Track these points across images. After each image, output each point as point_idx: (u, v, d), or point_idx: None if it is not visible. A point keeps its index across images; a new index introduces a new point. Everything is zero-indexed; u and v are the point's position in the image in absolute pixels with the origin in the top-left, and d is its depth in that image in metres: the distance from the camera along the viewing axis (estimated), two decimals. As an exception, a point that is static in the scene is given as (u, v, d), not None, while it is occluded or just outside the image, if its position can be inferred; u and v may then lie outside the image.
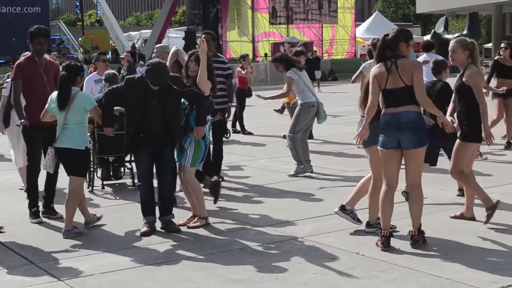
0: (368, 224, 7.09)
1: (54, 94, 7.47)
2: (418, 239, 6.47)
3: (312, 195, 9.02)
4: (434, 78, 9.05)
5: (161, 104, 7.17)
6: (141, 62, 21.73)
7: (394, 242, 6.57)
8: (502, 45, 12.94)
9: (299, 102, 10.66)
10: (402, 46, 6.45)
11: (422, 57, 12.86)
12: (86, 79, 10.97)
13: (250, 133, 16.07)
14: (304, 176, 10.25)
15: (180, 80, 7.49)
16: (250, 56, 22.53)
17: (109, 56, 30.35)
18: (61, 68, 8.04)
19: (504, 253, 6.20)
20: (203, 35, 9.03)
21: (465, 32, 45.22)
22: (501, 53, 12.81)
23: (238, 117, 16.40)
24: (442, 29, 46.11)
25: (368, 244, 6.60)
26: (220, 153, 9.94)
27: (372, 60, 12.29)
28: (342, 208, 7.25)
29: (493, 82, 12.82)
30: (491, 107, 11.97)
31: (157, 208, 7.43)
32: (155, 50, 8.98)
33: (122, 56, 15.82)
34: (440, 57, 9.95)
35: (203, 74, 7.63)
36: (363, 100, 6.84)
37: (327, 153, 12.80)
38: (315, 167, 10.71)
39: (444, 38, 42.09)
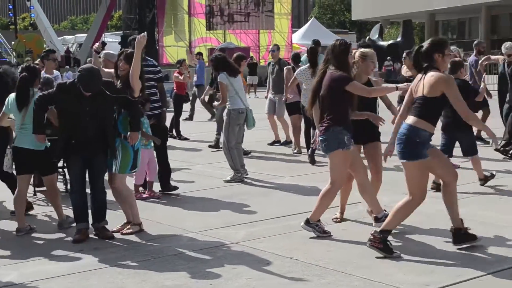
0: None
1: (12, 95, 7.54)
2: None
3: (247, 200, 9.02)
4: None
5: (94, 110, 7.08)
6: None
7: (327, 246, 6.63)
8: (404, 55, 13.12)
9: (228, 107, 10.52)
10: (437, 57, 6.35)
11: None
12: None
13: (186, 139, 16.00)
14: (239, 182, 10.25)
15: (113, 85, 7.40)
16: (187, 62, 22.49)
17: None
18: (19, 70, 7.98)
19: (435, 256, 6.29)
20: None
21: (399, 39, 46.00)
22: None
23: (175, 122, 16.30)
24: (377, 36, 46.83)
25: (302, 249, 6.64)
26: (166, 163, 9.62)
27: (306, 66, 12.61)
28: (307, 222, 7.18)
29: None
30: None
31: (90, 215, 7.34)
32: (102, 54, 8.74)
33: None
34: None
35: (136, 65, 7.48)
36: (311, 103, 7.17)
37: (262, 158, 12.83)
38: (250, 172, 10.73)
39: (378, 44, 42.76)
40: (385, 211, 7.28)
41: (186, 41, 44.62)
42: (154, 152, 9.41)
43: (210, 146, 14.04)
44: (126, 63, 7.68)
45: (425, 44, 6.47)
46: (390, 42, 45.85)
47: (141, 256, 6.57)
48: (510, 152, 11.74)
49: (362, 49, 7.75)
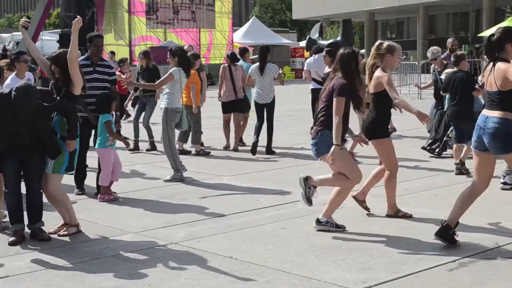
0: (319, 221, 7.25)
1: None
2: None
3: (187, 200, 8.99)
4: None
5: (31, 121, 6.94)
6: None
7: (266, 245, 6.66)
8: (323, 53, 13.23)
9: (164, 106, 10.41)
10: (509, 47, 6.25)
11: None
12: (5, 84, 9.79)
13: (126, 138, 15.82)
14: (179, 181, 10.20)
15: (50, 95, 7.26)
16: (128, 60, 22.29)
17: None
18: None
19: (372, 253, 6.37)
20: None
21: (339, 38, 46.35)
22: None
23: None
24: (317, 35, 47.11)
25: (241, 248, 6.65)
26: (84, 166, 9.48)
27: (256, 64, 12.87)
28: (318, 222, 7.26)
29: None
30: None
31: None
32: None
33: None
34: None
35: (74, 49, 7.35)
36: None
37: (201, 157, 12.80)
38: (190, 172, 10.70)
39: (319, 43, 43.01)
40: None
41: (126, 39, 44.19)
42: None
43: (147, 150, 13.79)
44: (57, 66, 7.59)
45: (496, 33, 6.33)
46: (330, 41, 46.12)
47: (78, 258, 6.48)
48: (437, 150, 12.00)
49: (390, 43, 7.78)
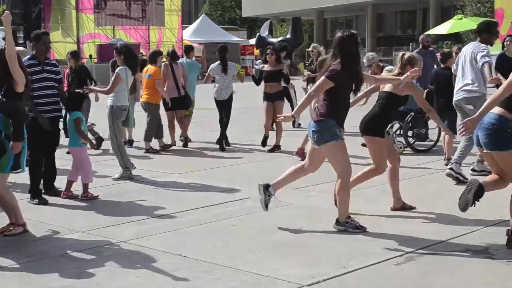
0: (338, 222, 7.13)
1: None
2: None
3: (136, 198, 8.93)
4: None
5: None
6: None
7: (216, 242, 6.66)
8: (268, 51, 13.36)
9: (110, 104, 10.27)
10: None
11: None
12: None
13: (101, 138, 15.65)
14: (128, 179, 10.13)
15: None
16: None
17: None
18: None
19: (320, 249, 6.42)
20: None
21: (288, 36, 46.48)
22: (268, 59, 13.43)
23: (63, 121, 15.91)
24: (267, 32, 47.19)
25: (190, 246, 6.63)
26: (53, 166, 9.19)
27: (217, 62, 13.40)
28: (337, 222, 7.13)
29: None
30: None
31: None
32: None
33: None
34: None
35: (10, 46, 7.00)
36: None
37: (152, 155, 12.73)
38: (140, 170, 10.63)
39: (269, 41, 43.09)
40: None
41: (74, 37, 43.72)
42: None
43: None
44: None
45: None
46: (280, 38, 46.26)
47: (25, 258, 6.38)
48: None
49: (411, 54, 7.97)
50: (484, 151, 6.40)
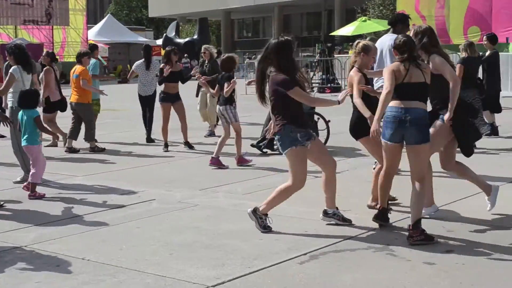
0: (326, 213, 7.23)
1: None
2: (413, 234, 6.47)
3: (38, 201, 8.73)
4: None
5: None
6: None
7: (120, 245, 6.58)
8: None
9: (10, 105, 10.01)
10: None
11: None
12: None
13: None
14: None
15: None
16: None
17: None
18: None
19: (226, 249, 6.42)
20: None
21: (195, 36, 46.48)
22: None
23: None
24: (174, 33, 47.06)
25: (94, 249, 6.53)
26: None
27: (141, 60, 14.12)
28: (325, 213, 7.25)
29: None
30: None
31: None
32: None
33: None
34: None
35: None
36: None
37: (52, 158, 12.47)
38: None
39: (176, 42, 42.96)
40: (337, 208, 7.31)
41: (-26, 36, 42.37)
42: None
43: None
44: None
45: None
46: (187, 39, 46.22)
47: None
48: (263, 148, 12.22)
49: (366, 42, 7.77)
50: (395, 144, 6.78)
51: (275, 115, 7.00)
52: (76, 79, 13.07)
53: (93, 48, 15.15)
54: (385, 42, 10.05)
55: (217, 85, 11.29)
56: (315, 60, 33.44)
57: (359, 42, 7.84)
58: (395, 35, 9.71)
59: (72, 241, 6.87)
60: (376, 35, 39.92)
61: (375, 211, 7.26)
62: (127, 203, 8.49)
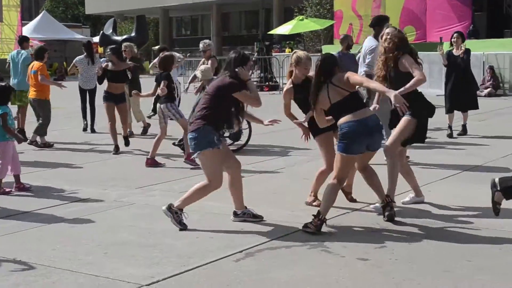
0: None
1: None
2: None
3: (-30, 201, 8.54)
4: None
5: None
6: None
7: (53, 245, 6.48)
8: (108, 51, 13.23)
9: None
10: None
11: None
12: None
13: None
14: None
15: None
16: None
17: None
18: None
19: (162, 248, 6.39)
20: None
21: (133, 34, 45.96)
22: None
23: None
24: (111, 30, 46.46)
25: (27, 249, 6.41)
26: None
27: (83, 55, 15.32)
28: (235, 214, 7.26)
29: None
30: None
31: None
32: None
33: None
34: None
35: None
36: None
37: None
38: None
39: (113, 39, 42.45)
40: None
41: None
42: None
43: None
44: None
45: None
46: (125, 37, 45.65)
47: None
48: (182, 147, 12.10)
49: (298, 54, 7.74)
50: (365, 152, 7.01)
51: (200, 111, 7.01)
52: (34, 74, 13.09)
53: (23, 40, 15.01)
54: (365, 44, 11.04)
55: (155, 83, 11.16)
56: (253, 58, 33.49)
57: (295, 52, 7.93)
58: (373, 39, 10.73)
59: (3, 241, 6.74)
60: (313, 33, 40.24)
61: (311, 208, 7.35)
62: (62, 202, 8.36)
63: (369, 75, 9.92)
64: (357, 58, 12.06)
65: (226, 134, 12.32)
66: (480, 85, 18.90)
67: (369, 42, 11.05)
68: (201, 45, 13.69)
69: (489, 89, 22.96)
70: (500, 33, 28.16)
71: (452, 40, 13.45)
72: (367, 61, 10.83)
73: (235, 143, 12.31)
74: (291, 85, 7.75)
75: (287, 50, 43.96)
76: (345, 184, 7.63)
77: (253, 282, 5.48)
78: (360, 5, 32.79)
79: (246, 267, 5.82)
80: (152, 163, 10.85)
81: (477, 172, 9.63)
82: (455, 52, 13.29)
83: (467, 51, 13.23)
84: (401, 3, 30.58)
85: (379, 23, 10.71)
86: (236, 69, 7.02)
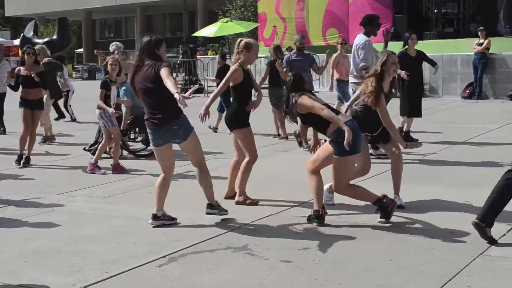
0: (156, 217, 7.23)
1: None
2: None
3: None
4: None
5: None
6: None
7: None
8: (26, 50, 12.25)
9: None
10: None
11: None
12: None
13: None
14: None
15: None
16: None
17: None
18: None
19: (84, 255, 6.27)
20: None
21: (55, 37, 45.21)
22: None
23: None
24: (32, 33, 45.59)
25: None
26: None
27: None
28: (155, 217, 7.20)
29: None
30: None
31: None
32: None
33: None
34: None
35: None
36: None
37: None
38: None
39: (34, 42, 41.61)
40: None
41: None
42: None
43: None
44: None
45: None
46: (46, 39, 44.85)
47: None
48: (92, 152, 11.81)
49: (247, 40, 8.12)
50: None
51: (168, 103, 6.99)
52: None
53: None
54: (355, 42, 11.36)
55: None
56: (178, 61, 33.35)
57: (241, 40, 8.13)
58: (364, 36, 11.22)
59: None
60: (237, 36, 40.26)
61: (235, 210, 7.39)
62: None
63: (366, 69, 10.43)
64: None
65: (139, 138, 12.23)
66: (401, 87, 19.25)
67: (359, 39, 11.37)
68: (113, 48, 13.44)
69: (409, 90, 23.39)
70: (420, 35, 28.76)
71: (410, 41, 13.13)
72: (360, 56, 11.19)
73: (148, 148, 12.19)
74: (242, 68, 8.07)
75: (209, 52, 43.94)
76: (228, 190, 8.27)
77: (175, 287, 5.45)
78: (283, 8, 33.02)
79: (169, 272, 5.78)
80: (92, 168, 10.50)
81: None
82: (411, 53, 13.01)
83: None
84: (324, 6, 30.92)
85: (370, 22, 11.37)
86: (156, 51, 7.15)
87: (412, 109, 12.98)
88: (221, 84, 8.14)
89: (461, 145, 12.56)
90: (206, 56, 37.34)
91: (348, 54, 16.13)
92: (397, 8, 28.89)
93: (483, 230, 6.33)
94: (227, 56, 21.08)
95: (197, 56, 33.57)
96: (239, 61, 8.03)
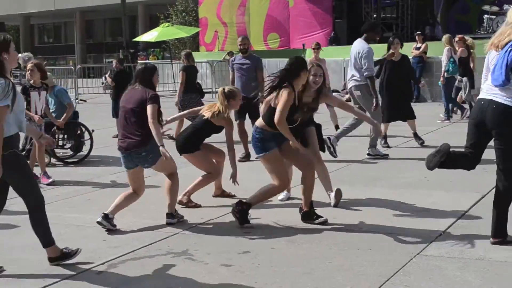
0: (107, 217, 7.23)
1: None
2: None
3: None
4: None
5: None
6: None
7: None
8: None
9: None
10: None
11: None
12: None
13: None
14: None
15: None
16: None
17: None
18: None
19: (22, 264, 6.19)
20: None
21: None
22: None
23: None
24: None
25: None
26: None
27: None
28: (105, 217, 7.18)
29: None
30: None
31: None
32: None
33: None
34: None
35: None
36: None
37: None
38: None
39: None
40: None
41: None
42: None
43: None
44: None
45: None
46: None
47: None
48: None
49: (230, 89, 8.46)
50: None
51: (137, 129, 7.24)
52: None
53: None
54: (356, 46, 11.37)
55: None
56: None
57: (224, 89, 8.27)
58: (365, 43, 11.23)
59: None
60: (178, 41, 40.16)
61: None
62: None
63: (370, 78, 11.09)
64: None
65: (68, 145, 12.11)
66: (342, 90, 19.41)
67: (361, 45, 11.22)
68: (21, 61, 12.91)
69: (350, 94, 23.64)
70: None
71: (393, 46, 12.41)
72: (365, 66, 11.06)
73: (77, 154, 12.13)
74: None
75: (151, 57, 43.74)
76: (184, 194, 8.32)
77: (115, 294, 5.42)
78: (224, 13, 33.10)
79: (108, 279, 5.73)
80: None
81: (346, 172, 9.91)
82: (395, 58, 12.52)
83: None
84: (264, 11, 31.10)
85: (372, 29, 11.59)
86: (150, 78, 7.40)
87: (399, 113, 12.64)
88: (201, 124, 8.30)
89: (399, 148, 12.76)
90: (148, 61, 37.15)
91: (325, 58, 16.39)
92: (337, 13, 29.25)
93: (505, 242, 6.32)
94: (125, 62, 21.68)
95: (138, 61, 33.38)
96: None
